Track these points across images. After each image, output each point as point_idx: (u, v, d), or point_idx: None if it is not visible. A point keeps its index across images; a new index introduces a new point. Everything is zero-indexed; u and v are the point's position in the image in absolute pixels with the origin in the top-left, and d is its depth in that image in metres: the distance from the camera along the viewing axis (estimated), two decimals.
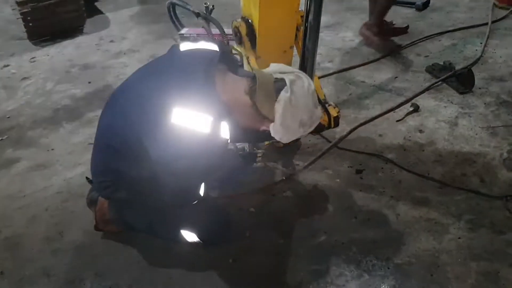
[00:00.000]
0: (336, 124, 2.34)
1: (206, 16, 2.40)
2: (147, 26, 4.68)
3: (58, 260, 2.13)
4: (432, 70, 3.34)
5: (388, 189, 2.38)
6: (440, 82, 3.20)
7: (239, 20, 2.26)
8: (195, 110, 1.67)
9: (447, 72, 3.23)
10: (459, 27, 3.98)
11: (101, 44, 4.39)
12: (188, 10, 2.42)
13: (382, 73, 3.44)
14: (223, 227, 2.14)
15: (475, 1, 4.55)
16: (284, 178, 2.50)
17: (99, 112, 2.12)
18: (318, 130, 2.41)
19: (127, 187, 1.95)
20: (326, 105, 2.31)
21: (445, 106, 2.98)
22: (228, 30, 2.40)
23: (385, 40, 3.75)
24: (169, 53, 1.99)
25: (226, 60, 1.91)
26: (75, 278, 2.04)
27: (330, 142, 2.70)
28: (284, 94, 1.75)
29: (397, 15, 4.20)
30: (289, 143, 2.39)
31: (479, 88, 3.12)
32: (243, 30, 2.24)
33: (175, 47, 1.97)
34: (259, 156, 2.60)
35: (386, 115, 2.92)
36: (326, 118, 2.30)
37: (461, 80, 3.13)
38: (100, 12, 5.06)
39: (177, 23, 2.75)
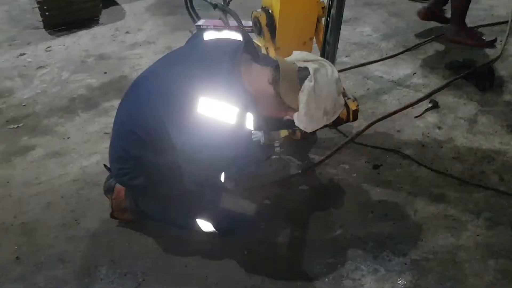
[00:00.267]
0: (355, 118, 2.32)
1: (224, 8, 2.38)
2: (163, 17, 4.67)
3: (73, 246, 2.14)
4: (452, 66, 3.30)
5: (405, 185, 2.35)
6: (459, 79, 3.15)
7: (259, 10, 2.25)
8: (222, 101, 1.66)
9: (467, 69, 3.19)
10: (479, 25, 3.91)
11: (117, 35, 4.39)
12: (205, 2, 2.41)
13: (401, 68, 3.40)
14: (239, 218, 2.12)
15: None
16: (300, 171, 2.48)
17: (115, 102, 2.12)
18: (337, 123, 2.39)
19: (147, 174, 1.95)
20: (345, 98, 2.29)
21: (464, 103, 2.94)
22: (246, 22, 2.38)
23: (479, 38, 3.66)
24: (193, 41, 1.98)
25: (250, 50, 1.90)
26: (90, 264, 2.04)
27: (346, 136, 2.67)
28: (308, 84, 1.74)
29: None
30: (306, 135, 2.39)
31: (499, 86, 3.08)
32: (263, 20, 2.23)
33: (199, 36, 1.96)
34: (277, 146, 2.59)
35: (404, 111, 2.89)
36: (345, 111, 2.27)
37: (481, 77, 3.09)
38: (116, 3, 5.05)
39: (194, 15, 2.74)
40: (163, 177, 1.93)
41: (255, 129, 1.87)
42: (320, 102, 1.77)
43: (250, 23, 2.41)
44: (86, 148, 2.78)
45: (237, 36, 1.95)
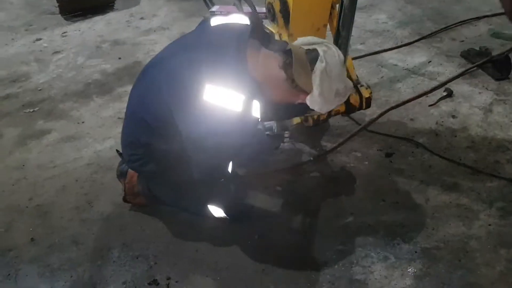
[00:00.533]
0: (368, 105, 2.31)
1: None
2: (177, 3, 4.66)
3: (86, 229, 2.17)
4: (468, 55, 3.25)
5: (418, 174, 2.34)
6: (475, 68, 3.11)
7: None
8: (228, 88, 1.66)
9: (483, 58, 3.13)
10: (497, 12, 3.83)
11: (132, 21, 4.40)
12: None
13: (416, 56, 3.36)
14: (249, 204, 2.14)
15: None
16: (311, 158, 2.48)
17: (128, 88, 2.14)
18: (349, 111, 2.39)
19: (156, 161, 1.96)
20: (358, 85, 2.28)
21: (479, 92, 2.90)
22: (260, 9, 2.37)
23: None
24: (200, 28, 1.97)
25: (258, 34, 1.89)
26: (103, 247, 2.07)
27: (359, 124, 2.66)
28: (320, 64, 1.73)
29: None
30: (318, 122, 2.38)
31: None
32: (277, 6, 2.22)
33: (206, 21, 1.95)
34: (286, 137, 2.59)
35: (418, 99, 2.86)
36: (357, 99, 2.26)
37: (497, 66, 3.04)
38: None
39: (208, 1, 2.73)
40: (172, 164, 1.94)
41: (261, 117, 1.87)
42: (332, 83, 1.76)
43: (264, 10, 2.40)
44: (100, 132, 2.82)
45: (245, 21, 1.93)
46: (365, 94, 2.27)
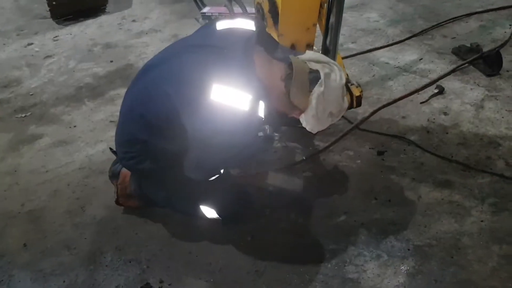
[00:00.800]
0: (359, 104, 2.31)
1: None
2: (169, 6, 4.66)
3: (79, 233, 2.17)
4: (459, 52, 3.26)
5: (410, 171, 2.34)
6: (466, 64, 3.12)
7: None
8: (235, 88, 1.67)
9: (474, 54, 3.14)
10: (488, 9, 3.86)
11: (123, 23, 4.40)
12: None
13: (407, 54, 3.37)
14: (242, 204, 2.13)
15: None
16: (304, 158, 2.48)
17: (121, 91, 2.13)
18: None
19: (153, 159, 1.95)
20: (349, 84, 2.28)
21: (471, 89, 2.91)
22: (250, 9, 2.37)
23: None
24: (205, 30, 1.98)
25: (263, 40, 1.90)
26: (96, 251, 2.07)
27: (351, 123, 2.66)
28: (318, 88, 1.76)
29: None
30: None
31: (507, 71, 3.04)
32: (266, 6, 2.22)
33: (211, 24, 1.95)
34: (276, 140, 2.60)
35: (410, 97, 2.87)
36: (348, 97, 2.26)
37: (488, 62, 3.05)
38: None
39: (199, 2, 2.73)
40: (169, 162, 1.94)
41: (265, 118, 1.88)
42: (327, 106, 1.80)
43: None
44: (92, 136, 2.81)
45: (250, 25, 1.94)
46: (356, 92, 2.27)
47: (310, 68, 1.80)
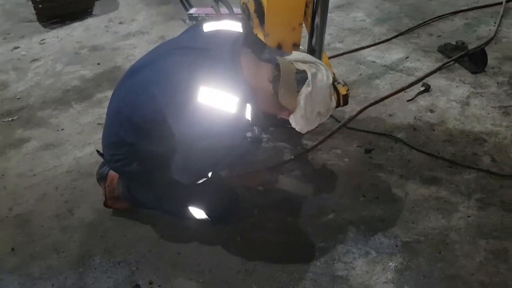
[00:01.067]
0: (345, 103, 2.32)
1: None
2: (156, 7, 4.66)
3: (67, 236, 2.15)
4: (444, 49, 3.29)
5: (397, 168, 2.36)
6: (452, 62, 3.15)
7: None
8: (222, 90, 1.66)
9: (460, 52, 3.18)
10: (473, 7, 3.90)
11: (110, 26, 4.38)
12: None
13: (393, 53, 3.40)
14: (231, 204, 2.14)
15: None
16: (292, 157, 2.49)
17: (108, 93, 2.12)
18: None
19: (140, 161, 1.94)
20: (335, 83, 2.29)
21: (457, 86, 2.94)
22: (237, 10, 2.38)
23: None
24: (192, 32, 1.96)
25: (251, 42, 1.90)
26: (85, 254, 2.06)
27: (339, 122, 2.68)
28: (306, 89, 1.76)
29: None
30: None
31: (492, 68, 3.08)
32: (252, 6, 2.22)
33: (198, 26, 1.95)
34: (265, 141, 2.60)
35: (396, 95, 2.89)
36: (335, 96, 2.27)
37: (473, 59, 3.08)
38: None
39: (186, 3, 2.73)
40: (157, 164, 1.93)
41: (252, 121, 1.88)
42: (315, 106, 1.81)
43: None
44: (79, 139, 2.80)
45: (237, 27, 1.94)
46: (342, 91, 2.28)
47: (297, 69, 1.80)
